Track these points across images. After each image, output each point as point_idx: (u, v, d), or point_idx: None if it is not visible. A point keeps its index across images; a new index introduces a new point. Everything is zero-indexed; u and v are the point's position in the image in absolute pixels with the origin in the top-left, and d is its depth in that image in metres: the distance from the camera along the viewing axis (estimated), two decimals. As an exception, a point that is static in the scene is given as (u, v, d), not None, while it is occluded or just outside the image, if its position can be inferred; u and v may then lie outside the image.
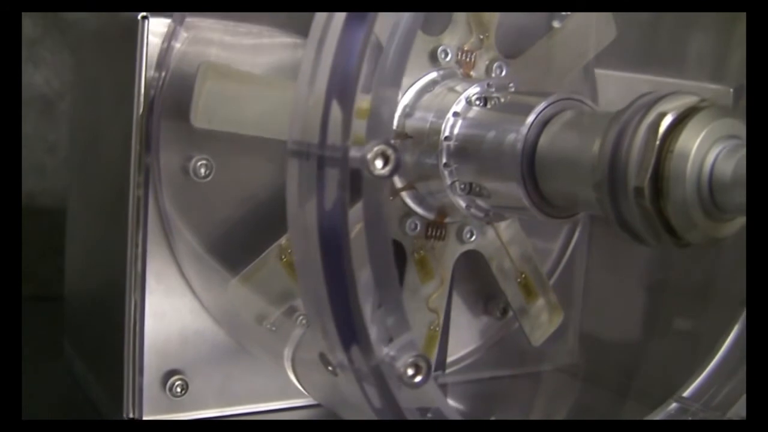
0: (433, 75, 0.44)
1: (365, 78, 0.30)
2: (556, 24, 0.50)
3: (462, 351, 0.52)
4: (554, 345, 0.52)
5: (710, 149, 0.33)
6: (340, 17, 0.31)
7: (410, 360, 0.31)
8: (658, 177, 0.33)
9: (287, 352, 0.40)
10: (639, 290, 0.54)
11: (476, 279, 0.50)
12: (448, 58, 0.44)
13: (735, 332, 0.45)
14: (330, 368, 0.33)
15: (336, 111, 0.29)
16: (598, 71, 0.53)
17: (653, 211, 0.34)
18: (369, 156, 0.29)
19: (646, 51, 0.62)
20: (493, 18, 0.46)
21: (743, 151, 0.33)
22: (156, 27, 0.42)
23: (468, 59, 0.45)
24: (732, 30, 0.62)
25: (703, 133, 0.33)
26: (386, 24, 0.31)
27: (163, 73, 0.42)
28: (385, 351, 0.31)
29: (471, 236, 0.46)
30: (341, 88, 0.29)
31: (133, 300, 0.43)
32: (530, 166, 0.38)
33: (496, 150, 0.39)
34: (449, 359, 0.51)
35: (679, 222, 0.34)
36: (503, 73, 0.46)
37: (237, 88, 0.40)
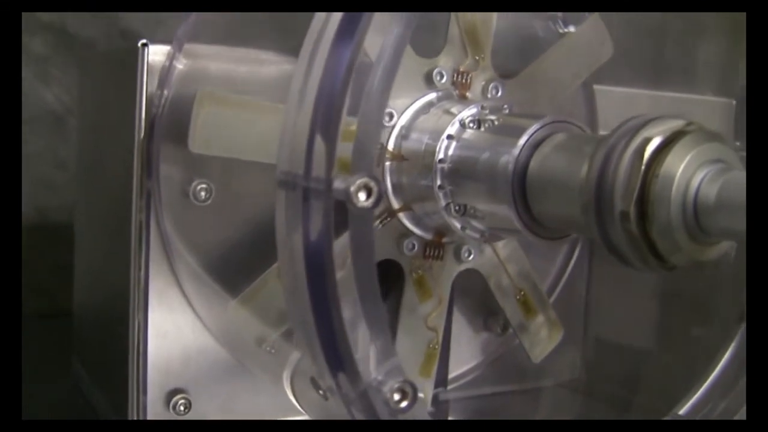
0: (429, 97, 0.45)
1: (353, 99, 0.31)
2: (571, 29, 0.50)
3: (463, 367, 0.52)
4: (556, 360, 0.52)
5: (695, 173, 0.34)
6: (327, 41, 0.32)
7: (396, 385, 0.31)
8: (643, 201, 0.34)
9: (286, 375, 0.41)
10: (641, 305, 0.54)
11: (476, 295, 0.51)
12: (443, 80, 0.45)
13: (731, 349, 0.46)
14: (321, 392, 0.34)
15: (320, 142, 0.30)
16: (599, 88, 0.53)
17: (639, 235, 0.34)
18: (352, 189, 0.29)
19: (653, 63, 0.62)
20: (489, 38, 0.46)
21: (728, 175, 0.33)
22: (157, 50, 0.43)
23: (464, 80, 0.45)
24: (740, 40, 0.62)
25: (688, 157, 0.34)
26: (374, 47, 0.32)
27: (163, 99, 0.42)
28: (372, 375, 0.32)
29: (469, 256, 0.47)
30: (325, 121, 0.30)
31: (136, 320, 0.44)
32: (521, 188, 0.39)
33: (487, 172, 0.40)
34: (450, 375, 0.51)
35: (664, 245, 0.34)
36: (499, 94, 0.46)
37: (233, 115, 0.41)
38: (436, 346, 0.47)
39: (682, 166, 0.33)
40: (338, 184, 0.30)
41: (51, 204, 0.72)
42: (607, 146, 0.35)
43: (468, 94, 0.46)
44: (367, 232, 0.31)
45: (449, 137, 0.42)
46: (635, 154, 0.34)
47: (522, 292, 0.49)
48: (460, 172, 0.41)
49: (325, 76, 0.30)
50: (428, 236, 0.45)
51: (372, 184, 0.30)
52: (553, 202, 0.38)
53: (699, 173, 0.34)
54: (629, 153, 0.34)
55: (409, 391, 0.31)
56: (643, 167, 0.34)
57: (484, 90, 0.46)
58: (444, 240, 0.46)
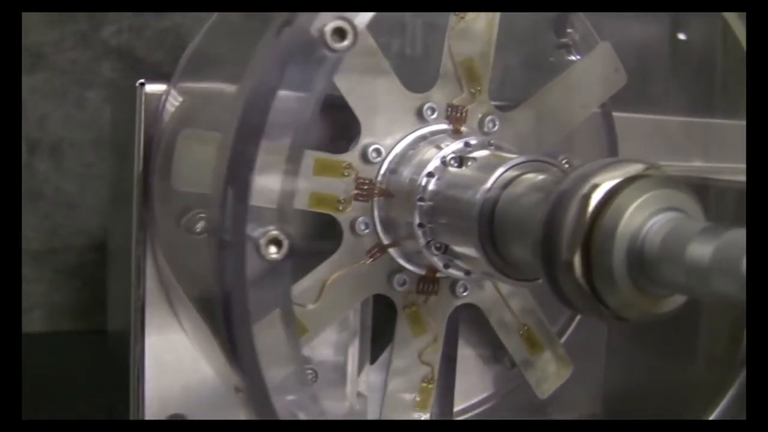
0: (421, 132, 0.44)
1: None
2: None
3: (472, 399, 0.51)
4: (573, 395, 0.51)
5: (645, 222, 0.32)
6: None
7: None
8: (588, 251, 0.33)
9: None
10: (661, 336, 0.52)
11: (484, 328, 0.50)
12: (434, 115, 0.44)
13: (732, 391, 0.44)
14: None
15: (232, 194, 0.30)
16: (623, 116, 0.51)
17: (586, 286, 0.33)
18: (262, 241, 0.30)
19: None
20: (487, 71, 0.45)
21: (676, 224, 0.32)
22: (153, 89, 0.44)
23: (459, 114, 0.45)
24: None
25: (634, 205, 0.32)
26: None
27: (159, 134, 0.44)
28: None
29: (464, 291, 0.46)
30: (235, 174, 0.30)
31: (135, 350, 0.45)
32: (489, 229, 0.38)
33: (458, 212, 0.39)
34: (459, 407, 0.50)
35: (610, 297, 0.33)
36: (496, 128, 0.45)
37: (215, 153, 0.42)
38: (432, 381, 0.46)
39: (627, 214, 0.32)
40: (252, 235, 0.30)
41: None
42: (559, 192, 0.34)
43: (463, 129, 0.45)
44: (284, 283, 0.31)
45: (429, 174, 0.42)
46: (582, 201, 0.33)
47: (526, 327, 0.48)
48: (438, 211, 0.41)
49: (241, 124, 0.31)
50: (421, 271, 0.45)
51: (282, 236, 0.30)
52: (515, 245, 0.37)
53: (648, 222, 0.32)
54: (577, 200, 0.33)
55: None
56: (588, 215, 0.33)
57: (481, 124, 0.45)
58: (438, 275, 0.45)
